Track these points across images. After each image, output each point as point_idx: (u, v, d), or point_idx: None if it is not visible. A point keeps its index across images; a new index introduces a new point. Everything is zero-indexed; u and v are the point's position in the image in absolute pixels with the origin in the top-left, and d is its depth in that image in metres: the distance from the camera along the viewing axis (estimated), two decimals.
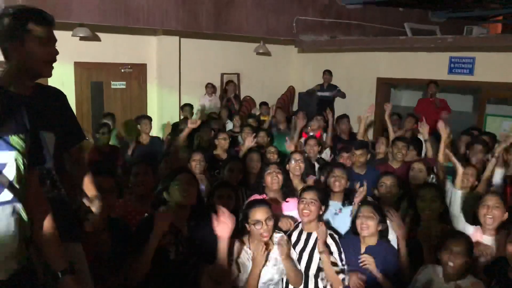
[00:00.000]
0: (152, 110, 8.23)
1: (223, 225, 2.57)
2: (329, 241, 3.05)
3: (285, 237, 2.95)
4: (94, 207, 2.10)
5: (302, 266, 3.02)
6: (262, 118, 7.70)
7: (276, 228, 3.02)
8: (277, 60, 9.89)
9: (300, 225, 3.18)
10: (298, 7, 8.74)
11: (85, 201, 2.11)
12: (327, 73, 8.86)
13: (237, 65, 9.41)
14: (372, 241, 3.01)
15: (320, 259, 2.98)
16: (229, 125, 7.37)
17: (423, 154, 5.23)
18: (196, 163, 4.18)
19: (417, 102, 7.90)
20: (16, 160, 1.53)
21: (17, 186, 1.54)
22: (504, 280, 2.61)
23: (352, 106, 6.93)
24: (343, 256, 3.02)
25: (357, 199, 3.42)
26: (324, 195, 3.27)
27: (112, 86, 8.12)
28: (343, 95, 8.78)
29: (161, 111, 8.26)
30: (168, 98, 8.27)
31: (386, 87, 8.99)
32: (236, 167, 3.73)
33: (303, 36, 9.00)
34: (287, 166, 3.95)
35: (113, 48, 7.87)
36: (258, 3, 8.17)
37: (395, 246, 3.10)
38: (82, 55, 7.48)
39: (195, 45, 8.66)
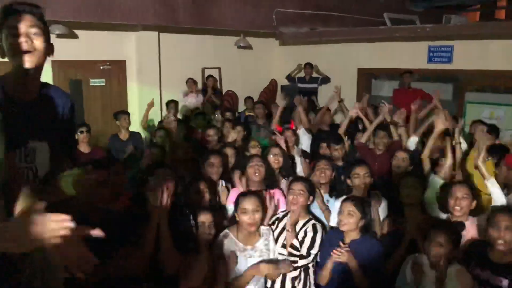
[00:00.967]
0: (133, 107, 8.13)
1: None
2: (309, 230, 3.09)
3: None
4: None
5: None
6: (247, 113, 7.68)
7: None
8: (258, 53, 9.85)
9: (289, 214, 3.23)
10: None
11: None
12: (308, 66, 8.89)
13: (218, 59, 9.34)
14: (355, 235, 3.03)
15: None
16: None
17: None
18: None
19: (393, 93, 7.96)
20: None
21: None
22: (484, 260, 2.66)
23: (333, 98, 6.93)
24: (312, 251, 3.08)
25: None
26: (312, 187, 3.34)
27: (91, 84, 7.99)
28: (327, 80, 8.83)
29: (142, 108, 8.13)
30: (149, 94, 8.15)
31: (367, 77, 9.03)
32: (217, 162, 3.71)
33: (283, 29, 8.97)
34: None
35: (91, 45, 7.74)
36: None
37: None
38: (60, 53, 7.14)
39: (175, 40, 8.57)
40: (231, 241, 2.94)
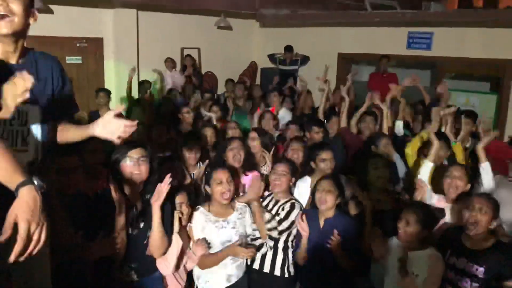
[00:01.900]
0: (110, 86, 7.93)
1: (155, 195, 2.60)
2: (286, 206, 3.18)
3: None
4: None
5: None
6: (226, 95, 7.62)
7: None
8: (239, 34, 9.75)
9: (272, 195, 3.30)
10: None
11: None
12: (288, 50, 8.86)
13: (197, 39, 9.20)
14: (330, 213, 3.07)
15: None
16: None
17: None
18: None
19: (369, 77, 8.01)
20: None
21: None
22: (459, 247, 2.70)
23: (314, 81, 6.93)
24: (284, 223, 3.12)
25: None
26: (295, 168, 3.38)
27: (67, 61, 7.78)
28: (306, 60, 8.86)
29: (119, 86, 8.00)
30: (126, 73, 7.99)
31: (347, 62, 9.06)
32: (195, 145, 3.69)
33: (264, 10, 8.90)
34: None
35: (67, 22, 7.52)
36: None
37: None
38: (34, 28, 7.02)
39: (154, 19, 8.40)
40: (201, 213, 2.97)
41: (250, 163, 3.66)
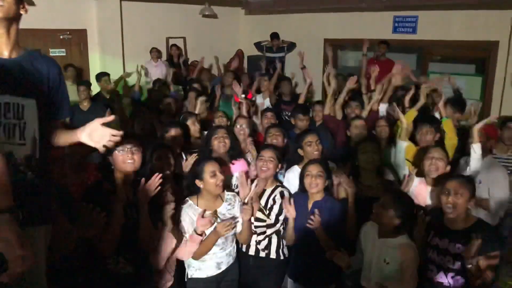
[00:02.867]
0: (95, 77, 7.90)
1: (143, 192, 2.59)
2: (277, 198, 3.21)
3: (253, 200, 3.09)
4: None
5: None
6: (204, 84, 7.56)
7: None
8: (224, 22, 9.69)
9: (256, 181, 3.27)
10: None
11: None
12: (275, 37, 8.82)
13: (182, 28, 9.14)
14: (318, 196, 3.11)
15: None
16: None
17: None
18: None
19: (367, 63, 8.00)
20: None
21: None
22: (441, 229, 2.75)
23: (300, 68, 6.93)
24: (281, 217, 3.18)
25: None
26: (281, 154, 3.39)
27: (51, 54, 7.68)
28: (293, 46, 8.84)
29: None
30: (112, 64, 7.94)
31: (333, 48, 9.03)
32: (177, 133, 3.67)
33: None
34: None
35: (50, 13, 7.41)
36: None
37: None
38: None
39: (138, 8, 8.31)
40: (190, 207, 2.96)
41: (236, 152, 3.66)
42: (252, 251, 3.24)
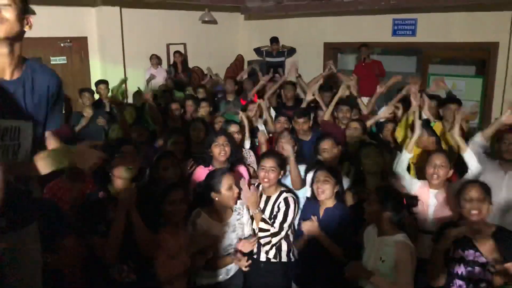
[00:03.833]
0: None
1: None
2: (281, 205, 3.17)
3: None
4: None
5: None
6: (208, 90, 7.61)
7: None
8: (224, 28, 9.72)
9: (260, 187, 3.31)
10: None
11: None
12: (275, 41, 8.84)
13: (182, 34, 9.16)
14: (330, 203, 3.10)
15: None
16: None
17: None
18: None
19: (354, 67, 8.06)
20: None
21: None
22: (463, 240, 2.63)
23: (300, 72, 6.93)
24: (285, 224, 3.15)
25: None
26: (283, 161, 3.37)
27: (52, 62, 7.71)
28: (293, 51, 8.86)
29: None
30: (113, 71, 7.96)
31: (333, 51, 9.07)
32: (179, 140, 3.67)
33: (249, 3, 8.88)
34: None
35: (50, 22, 7.41)
36: None
37: None
38: None
39: (138, 15, 8.35)
40: (204, 219, 2.95)
41: (237, 158, 3.65)
42: (263, 257, 3.23)
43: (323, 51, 8.92)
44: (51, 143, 2.05)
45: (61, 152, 1.90)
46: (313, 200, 3.21)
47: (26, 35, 1.92)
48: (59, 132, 2.09)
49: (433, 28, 7.55)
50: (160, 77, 8.18)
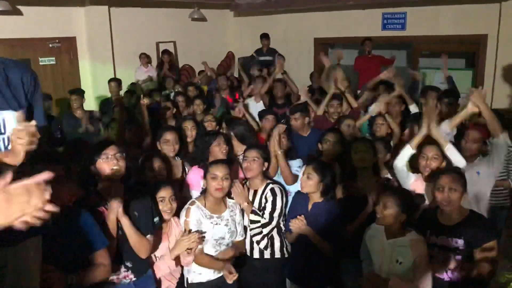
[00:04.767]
0: (86, 85, 7.87)
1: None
2: (268, 195, 3.20)
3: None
4: None
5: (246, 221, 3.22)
6: (202, 87, 7.59)
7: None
8: (214, 25, 9.69)
9: (248, 182, 3.31)
10: None
11: None
12: (264, 38, 8.79)
13: (172, 33, 9.13)
14: (317, 198, 3.10)
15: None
16: None
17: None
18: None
19: (355, 60, 8.04)
20: None
21: None
22: (437, 226, 2.76)
23: (291, 68, 6.94)
24: (275, 214, 3.18)
25: (274, 132, 3.60)
26: (267, 153, 3.40)
27: (41, 63, 7.67)
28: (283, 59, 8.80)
29: (96, 85, 7.93)
30: (102, 71, 7.92)
31: (323, 47, 9.07)
32: (172, 138, 3.64)
33: None
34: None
35: (38, 22, 7.38)
36: None
37: None
38: (4, 31, 6.97)
39: (126, 14, 8.30)
40: (197, 208, 2.97)
41: (231, 155, 3.66)
42: (256, 254, 3.24)
43: (313, 46, 8.92)
44: None
45: None
46: (302, 194, 3.21)
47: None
48: None
49: (423, 21, 7.57)
50: (145, 74, 8.15)
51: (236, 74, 9.56)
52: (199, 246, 2.92)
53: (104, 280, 2.38)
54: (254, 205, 3.22)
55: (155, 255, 2.88)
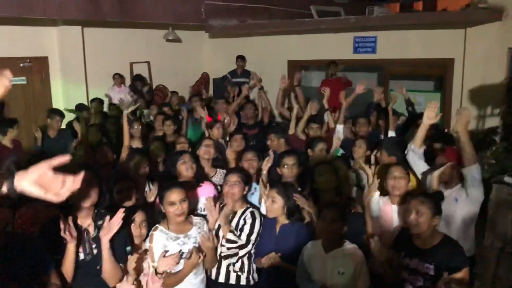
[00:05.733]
0: (58, 105, 7.73)
1: (105, 229, 2.48)
2: (247, 217, 3.20)
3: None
4: None
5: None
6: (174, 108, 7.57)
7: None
8: (188, 46, 9.73)
9: (225, 208, 3.28)
10: None
11: None
12: (240, 59, 8.86)
13: (146, 53, 9.13)
14: (284, 220, 3.13)
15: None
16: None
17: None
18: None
19: (321, 83, 8.19)
20: None
21: None
22: (411, 248, 2.79)
23: (265, 89, 7.00)
24: (252, 237, 3.16)
25: (264, 166, 3.61)
26: (247, 177, 3.42)
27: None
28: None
29: (67, 105, 7.81)
30: (75, 91, 7.85)
31: (297, 69, 9.19)
32: (142, 161, 3.63)
33: (213, 21, 8.93)
34: (198, 151, 4.04)
35: (8, 41, 7.29)
36: None
37: None
38: None
39: (100, 34, 8.28)
40: (161, 232, 2.92)
41: (201, 175, 3.66)
42: (222, 278, 3.20)
43: (287, 68, 9.04)
44: None
45: None
46: (269, 217, 3.22)
47: None
48: None
49: (392, 45, 7.78)
50: (123, 96, 8.07)
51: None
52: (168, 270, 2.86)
53: None
54: (231, 224, 3.20)
55: None
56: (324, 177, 3.41)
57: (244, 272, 3.20)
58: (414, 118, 5.02)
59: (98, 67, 8.21)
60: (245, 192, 3.33)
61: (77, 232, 2.42)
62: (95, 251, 2.53)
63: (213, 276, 3.21)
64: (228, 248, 3.13)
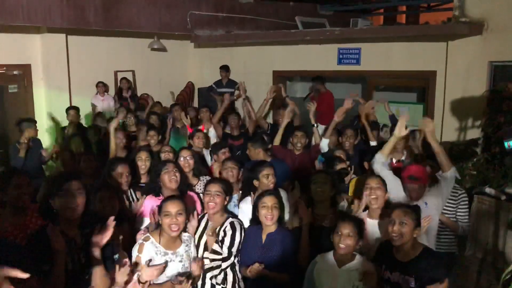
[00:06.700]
0: (40, 113, 7.69)
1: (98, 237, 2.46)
2: (227, 229, 3.18)
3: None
4: None
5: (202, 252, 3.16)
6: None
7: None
8: (174, 56, 9.72)
9: (206, 215, 3.28)
10: (191, 1, 8.69)
11: None
12: (224, 69, 8.88)
13: (131, 62, 9.09)
14: (272, 228, 3.11)
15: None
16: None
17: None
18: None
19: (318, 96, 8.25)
20: None
21: None
22: (392, 261, 2.81)
23: (250, 100, 7.02)
24: (233, 249, 3.15)
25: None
26: (229, 187, 3.40)
27: None
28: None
29: (50, 113, 7.74)
30: (58, 99, 7.76)
31: (282, 80, 9.24)
32: (125, 170, 3.60)
33: (198, 31, 8.96)
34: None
35: None
36: None
37: None
38: None
39: (84, 43, 8.22)
40: (151, 244, 2.89)
41: (184, 185, 3.64)
42: None
43: (272, 79, 9.08)
44: None
45: None
46: (254, 226, 3.21)
47: None
48: None
49: (376, 57, 7.87)
50: (106, 104, 8.04)
51: (196, 104, 9.58)
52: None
53: None
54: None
55: None
56: (318, 186, 3.40)
57: (227, 283, 3.17)
58: None
59: (82, 75, 8.15)
60: (225, 203, 3.30)
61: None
62: (83, 260, 2.50)
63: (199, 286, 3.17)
64: (212, 260, 3.11)
